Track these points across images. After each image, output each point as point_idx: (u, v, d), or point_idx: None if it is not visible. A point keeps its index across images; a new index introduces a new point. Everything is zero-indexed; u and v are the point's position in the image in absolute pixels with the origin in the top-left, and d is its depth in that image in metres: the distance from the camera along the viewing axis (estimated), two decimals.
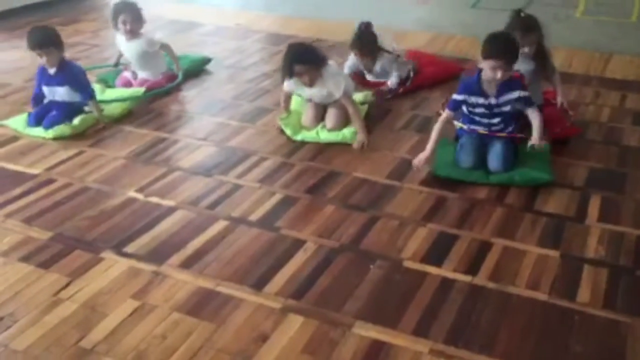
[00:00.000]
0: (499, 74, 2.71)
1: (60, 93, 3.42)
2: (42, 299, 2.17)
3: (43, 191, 2.85)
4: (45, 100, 3.48)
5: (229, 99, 3.89)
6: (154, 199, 2.79)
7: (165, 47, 4.01)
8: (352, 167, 3.05)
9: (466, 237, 2.51)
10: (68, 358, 1.92)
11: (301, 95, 3.41)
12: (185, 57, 4.29)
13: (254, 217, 2.66)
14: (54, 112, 3.38)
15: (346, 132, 3.24)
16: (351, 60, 3.92)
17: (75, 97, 3.44)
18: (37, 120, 3.38)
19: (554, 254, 2.41)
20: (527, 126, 2.95)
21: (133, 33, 3.87)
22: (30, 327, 2.04)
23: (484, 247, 2.45)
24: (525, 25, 3.07)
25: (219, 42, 5.12)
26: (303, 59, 3.17)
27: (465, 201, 2.75)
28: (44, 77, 3.43)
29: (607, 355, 1.93)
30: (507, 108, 2.84)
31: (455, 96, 2.89)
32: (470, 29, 5.08)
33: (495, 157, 2.82)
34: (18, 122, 3.43)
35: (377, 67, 3.87)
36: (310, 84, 3.23)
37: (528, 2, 5.91)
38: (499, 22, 3.19)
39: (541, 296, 2.18)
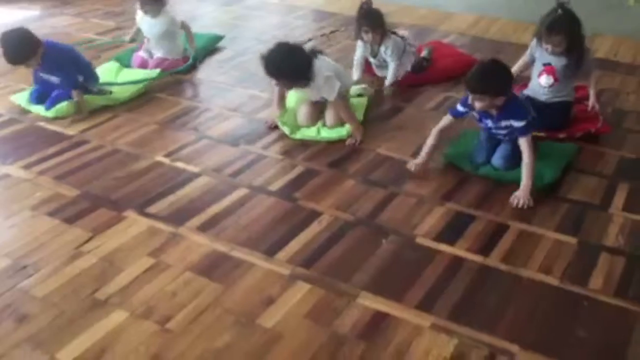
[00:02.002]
0: (477, 105, 2.59)
1: (54, 78, 3.34)
2: (64, 251, 2.28)
3: (76, 151, 2.97)
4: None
5: (262, 72, 3.91)
6: (180, 164, 2.86)
7: (185, 26, 3.99)
8: (377, 144, 3.05)
9: (483, 218, 2.49)
10: (83, 307, 2.01)
11: (298, 92, 3.20)
12: (196, 36, 4.16)
13: (273, 187, 2.70)
14: (54, 93, 3.30)
15: (348, 129, 3.09)
16: (359, 51, 3.72)
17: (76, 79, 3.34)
18: (38, 98, 3.32)
19: (571, 240, 2.37)
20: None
21: (154, 12, 3.83)
22: (51, 277, 2.15)
23: (500, 229, 2.43)
24: (551, 25, 2.94)
25: (264, 16, 5.17)
26: (281, 74, 2.96)
27: (486, 183, 2.72)
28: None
29: (610, 343, 1.90)
30: (504, 131, 2.69)
31: (459, 106, 2.71)
32: (517, 12, 4.96)
33: (499, 155, 2.74)
34: (22, 98, 3.39)
35: (383, 51, 3.62)
36: (301, 90, 3.10)
37: None
38: (547, 6, 3.06)
39: (552, 280, 2.16)
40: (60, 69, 3.29)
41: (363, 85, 3.53)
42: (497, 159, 2.74)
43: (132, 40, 4.22)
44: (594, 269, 2.21)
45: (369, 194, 2.65)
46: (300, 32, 4.70)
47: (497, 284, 2.15)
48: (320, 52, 3.14)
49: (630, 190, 2.68)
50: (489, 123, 2.72)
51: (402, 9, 5.24)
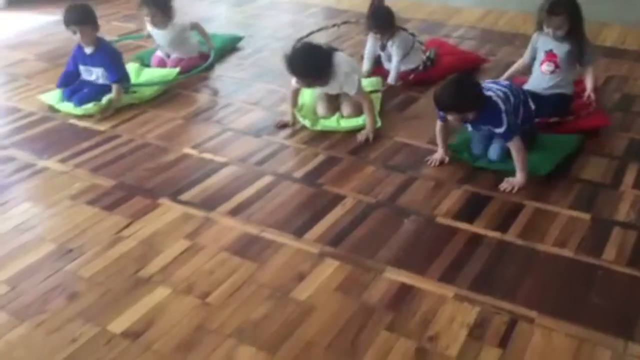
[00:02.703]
0: (449, 118, 2.67)
1: (96, 73, 3.48)
2: (106, 236, 2.42)
3: (108, 145, 3.12)
4: (77, 81, 3.52)
5: (280, 68, 4.04)
6: (208, 155, 3.01)
7: (195, 26, 4.07)
8: (395, 132, 3.18)
9: (499, 198, 2.62)
10: (128, 285, 2.16)
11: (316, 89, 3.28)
12: (215, 37, 4.31)
13: (298, 174, 2.84)
14: (85, 90, 3.44)
15: (365, 118, 3.16)
16: (370, 44, 3.81)
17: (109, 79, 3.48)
18: (70, 95, 3.44)
19: (584, 216, 2.49)
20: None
21: (160, 24, 3.91)
22: (95, 259, 2.29)
23: (516, 208, 2.55)
24: (551, 7, 3.01)
25: (275, 15, 5.31)
26: (305, 74, 3.03)
27: None
28: (80, 56, 3.50)
29: (624, 308, 2.02)
30: (488, 132, 2.74)
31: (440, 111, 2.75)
32: (525, 4, 5.06)
33: (493, 149, 2.78)
34: (53, 97, 3.49)
35: (390, 45, 3.69)
36: (322, 87, 3.17)
37: None
38: None
39: (567, 253, 2.28)
40: (114, 61, 3.47)
41: (375, 80, 3.64)
42: (492, 153, 2.79)
43: (148, 36, 4.24)
44: (607, 242, 2.33)
45: (389, 179, 2.78)
46: (311, 30, 4.82)
47: (514, 258, 2.28)
48: (336, 50, 3.22)
49: None
50: (469, 127, 2.79)
51: (412, 5, 5.37)
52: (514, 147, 2.63)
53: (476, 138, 2.87)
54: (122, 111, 3.46)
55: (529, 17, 4.81)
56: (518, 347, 1.87)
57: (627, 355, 1.84)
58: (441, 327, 1.95)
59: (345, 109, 3.26)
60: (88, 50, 3.47)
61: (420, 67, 3.76)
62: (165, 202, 2.64)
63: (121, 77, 3.50)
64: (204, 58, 4.08)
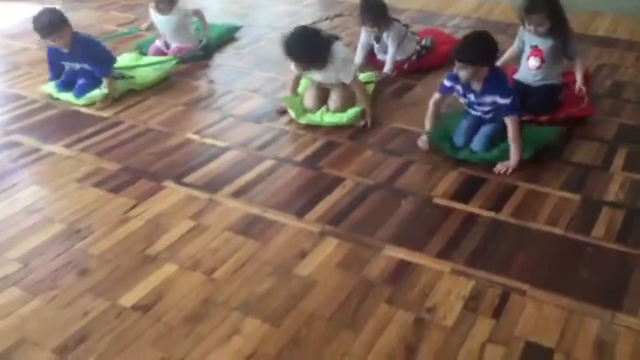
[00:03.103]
0: (462, 74, 2.72)
1: (81, 66, 3.49)
2: (113, 216, 2.50)
3: (112, 131, 3.19)
4: (67, 69, 3.54)
5: (278, 56, 4.10)
6: (209, 140, 3.08)
7: (197, 12, 4.15)
8: (393, 119, 3.26)
9: (494, 180, 2.70)
10: (136, 262, 2.24)
11: (311, 78, 3.29)
12: (214, 27, 4.37)
13: (298, 158, 2.92)
14: (82, 81, 3.46)
15: (350, 114, 3.17)
16: (363, 36, 3.84)
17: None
18: (65, 86, 3.48)
19: (575, 197, 2.58)
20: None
21: (165, 10, 3.97)
22: (104, 238, 2.37)
23: (510, 189, 2.64)
24: (530, 6, 3.05)
25: (272, 5, 5.38)
26: (300, 56, 3.06)
27: None
28: (60, 55, 3.49)
29: (612, 281, 2.12)
30: (487, 107, 2.80)
31: (445, 81, 2.86)
32: None
33: (478, 139, 2.80)
34: (51, 88, 3.54)
35: (385, 37, 3.73)
36: (319, 72, 3.16)
37: None
38: None
39: (558, 231, 2.38)
40: (93, 58, 3.45)
41: (368, 73, 3.65)
42: (475, 144, 2.80)
43: (148, 29, 4.34)
44: (596, 220, 2.43)
45: (387, 162, 2.87)
46: (309, 20, 4.88)
47: (508, 235, 2.37)
48: (337, 37, 3.27)
49: (629, 153, 2.89)
50: (472, 97, 2.81)
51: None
52: (514, 123, 2.69)
53: (460, 129, 2.87)
54: (124, 98, 3.53)
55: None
56: (511, 318, 1.96)
57: (614, 324, 1.93)
58: (438, 300, 2.04)
59: (332, 103, 3.23)
60: (65, 50, 3.45)
61: (414, 57, 3.83)
62: (169, 184, 2.71)
63: (107, 69, 3.49)
64: (205, 47, 4.14)
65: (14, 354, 1.87)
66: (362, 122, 3.18)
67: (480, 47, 2.71)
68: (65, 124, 3.27)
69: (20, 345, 1.89)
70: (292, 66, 3.26)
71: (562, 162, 2.85)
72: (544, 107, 3.09)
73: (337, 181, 2.72)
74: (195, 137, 3.13)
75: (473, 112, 2.89)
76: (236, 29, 4.58)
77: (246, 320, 1.97)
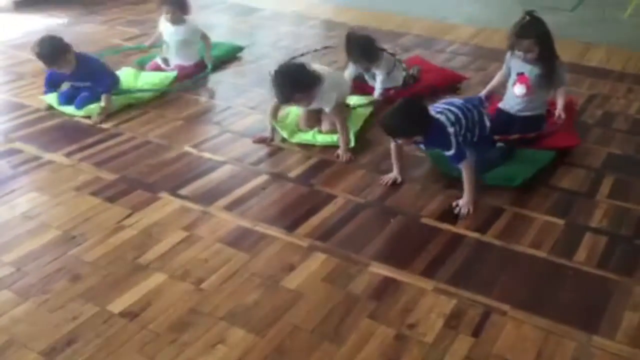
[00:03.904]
0: (400, 141, 2.79)
1: (84, 84, 3.56)
2: (108, 224, 2.56)
3: (111, 142, 3.26)
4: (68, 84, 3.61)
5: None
6: (206, 154, 3.15)
7: (204, 37, 4.21)
8: (387, 140, 3.29)
9: (482, 203, 2.75)
10: (127, 270, 2.30)
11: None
12: (218, 45, 4.47)
13: (292, 174, 2.99)
14: (84, 94, 3.53)
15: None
16: (351, 69, 3.82)
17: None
18: (67, 99, 3.54)
19: (559, 221, 2.64)
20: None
21: (177, 20, 4.06)
22: (98, 245, 2.43)
23: (497, 212, 2.70)
24: (520, 31, 3.04)
25: (276, 25, 5.48)
26: (303, 86, 3.04)
27: None
28: (61, 76, 3.58)
29: (591, 305, 2.16)
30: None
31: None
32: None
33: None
34: (52, 99, 3.60)
35: (375, 67, 3.74)
36: (308, 105, 3.19)
37: (579, 2, 6.04)
38: (547, 20, 3.23)
39: (541, 254, 2.43)
40: (93, 77, 3.54)
41: (365, 98, 3.66)
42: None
43: (152, 47, 4.40)
44: (579, 245, 2.48)
45: (379, 182, 2.92)
46: (312, 41, 4.98)
47: (492, 256, 2.42)
48: (321, 79, 3.12)
49: (615, 181, 2.95)
50: (423, 148, 2.89)
51: (409, 20, 5.55)
52: (465, 168, 2.69)
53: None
54: (124, 111, 3.61)
55: None
56: (490, 336, 2.01)
57: (591, 346, 1.98)
58: (420, 317, 2.09)
59: (325, 124, 3.29)
60: (67, 72, 3.54)
61: (400, 85, 3.82)
62: (165, 195, 2.78)
63: (109, 86, 3.57)
64: (200, 67, 4.19)
65: (2, 354, 1.91)
66: (342, 156, 3.12)
67: (407, 121, 2.67)
68: (66, 134, 3.35)
69: (9, 347, 1.94)
70: (274, 98, 3.20)
71: (550, 187, 2.91)
72: (529, 141, 3.08)
73: (329, 198, 2.79)
74: (193, 150, 3.20)
75: None
76: (239, 49, 4.67)
77: (231, 330, 2.02)
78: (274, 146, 3.26)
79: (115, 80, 3.70)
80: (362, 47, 3.68)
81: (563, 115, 3.17)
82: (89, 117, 3.51)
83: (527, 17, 3.04)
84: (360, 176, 2.99)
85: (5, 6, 5.55)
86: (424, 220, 2.64)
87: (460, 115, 2.76)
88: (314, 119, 3.34)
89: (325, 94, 3.14)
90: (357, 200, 2.78)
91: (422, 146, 2.89)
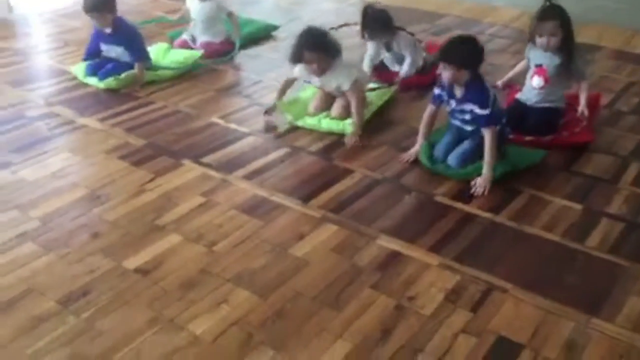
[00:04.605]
0: (444, 76, 2.72)
1: (117, 51, 3.66)
2: (131, 187, 2.68)
3: (143, 110, 3.38)
4: (101, 56, 3.72)
5: None
6: (233, 125, 3.24)
7: (230, 15, 4.23)
8: (410, 119, 3.32)
9: (500, 184, 2.74)
10: (145, 230, 2.40)
11: (310, 83, 3.31)
12: (252, 23, 4.54)
13: (313, 148, 3.04)
14: (109, 66, 3.62)
15: (347, 124, 3.14)
16: (371, 48, 3.73)
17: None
18: (93, 71, 3.63)
19: (577, 206, 2.61)
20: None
21: None
22: (120, 206, 2.55)
23: (513, 194, 2.68)
24: (543, 13, 2.99)
25: (318, 2, 5.51)
26: (315, 46, 3.06)
27: None
28: (101, 36, 3.67)
29: (595, 289, 2.15)
30: (466, 116, 2.77)
31: (434, 90, 2.87)
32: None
33: (454, 154, 2.78)
34: (79, 70, 3.71)
35: (396, 46, 3.69)
36: (320, 73, 3.15)
37: None
38: (596, 6, 3.12)
39: (553, 237, 2.41)
40: (132, 42, 3.65)
41: (385, 86, 3.59)
42: (452, 158, 2.78)
43: (179, 20, 4.46)
44: (594, 230, 2.45)
45: (398, 159, 2.94)
46: (350, 18, 4.98)
47: (502, 237, 2.42)
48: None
49: None
50: (454, 104, 2.80)
51: (450, 1, 5.49)
52: (489, 135, 2.66)
53: (442, 143, 2.86)
54: (158, 81, 3.72)
55: None
56: (488, 312, 2.03)
57: (589, 328, 1.97)
58: (421, 290, 2.12)
59: (335, 110, 3.22)
60: (107, 30, 3.63)
61: (420, 68, 3.74)
62: (187, 163, 2.87)
63: (141, 56, 3.65)
64: (227, 44, 4.22)
65: (21, 301, 2.04)
66: (347, 138, 3.07)
67: (463, 50, 2.71)
68: (101, 101, 3.49)
69: (28, 294, 2.07)
70: (294, 70, 3.25)
71: (572, 172, 2.87)
72: (542, 129, 3.02)
73: (346, 173, 2.83)
74: (220, 121, 3.29)
75: (455, 122, 2.86)
76: (274, 27, 4.71)
77: (236, 291, 2.10)
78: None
79: (147, 54, 3.75)
80: (380, 19, 3.63)
81: (586, 113, 3.10)
82: (108, 89, 3.57)
83: (548, 3, 3.01)
84: (380, 153, 3.01)
85: None
86: (438, 198, 2.66)
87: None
88: (326, 103, 3.27)
89: (345, 69, 3.14)
90: (373, 175, 2.81)
91: (454, 102, 2.78)
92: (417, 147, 2.93)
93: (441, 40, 4.19)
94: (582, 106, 3.11)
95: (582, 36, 4.23)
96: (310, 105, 3.30)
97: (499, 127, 2.77)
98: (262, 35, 4.57)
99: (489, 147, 2.68)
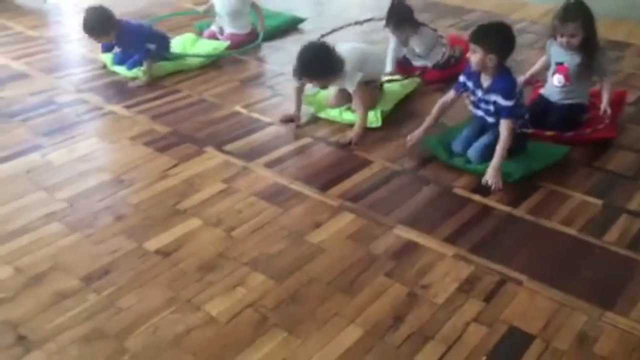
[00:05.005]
0: (472, 60, 2.68)
1: (129, 51, 3.71)
2: (154, 172, 2.74)
3: (169, 98, 3.45)
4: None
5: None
6: (255, 115, 3.28)
7: (255, 6, 4.29)
8: (430, 112, 3.32)
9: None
10: (167, 213, 2.46)
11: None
12: (279, 15, 4.59)
13: (333, 138, 3.07)
14: (136, 57, 3.68)
15: (371, 116, 3.15)
16: (392, 43, 3.78)
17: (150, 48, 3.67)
18: (120, 60, 3.72)
19: (597, 202, 2.59)
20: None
21: None
22: (143, 190, 2.61)
23: (533, 187, 2.68)
24: (565, 13, 2.94)
25: None
26: (311, 74, 3.04)
27: None
28: (109, 44, 3.76)
29: (610, 283, 2.14)
30: (490, 107, 2.75)
31: (460, 77, 2.84)
32: (593, 6, 5.06)
33: (475, 147, 2.77)
34: (108, 59, 3.80)
35: (416, 42, 3.73)
36: (323, 88, 3.22)
37: None
38: (626, 3, 3.06)
39: (571, 231, 2.41)
40: (132, 47, 3.67)
41: (409, 79, 3.58)
42: (472, 152, 2.76)
43: (206, 12, 4.51)
44: (613, 225, 2.44)
45: (418, 151, 2.95)
46: (377, 13, 4.99)
47: (519, 230, 2.43)
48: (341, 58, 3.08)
49: None
50: (480, 94, 2.76)
51: None
52: (506, 125, 2.64)
53: (461, 136, 2.86)
54: (184, 71, 3.79)
55: (597, 18, 4.84)
56: (501, 303, 2.04)
57: (601, 321, 1.97)
58: (434, 279, 2.14)
59: (354, 104, 3.18)
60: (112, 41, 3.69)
61: (441, 63, 3.74)
62: (210, 150, 2.93)
63: (144, 55, 3.64)
64: (254, 36, 4.28)
65: (46, 277, 2.12)
66: (346, 139, 3.01)
67: (494, 34, 2.69)
68: (128, 89, 3.57)
69: (53, 271, 2.14)
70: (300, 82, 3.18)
71: (594, 168, 2.85)
72: (564, 126, 2.98)
73: (365, 163, 2.85)
74: (244, 110, 3.34)
75: (478, 112, 2.84)
76: (300, 20, 4.74)
77: (253, 275, 2.15)
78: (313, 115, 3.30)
79: (162, 47, 3.78)
80: (402, 13, 3.68)
81: (609, 111, 3.06)
82: (135, 78, 3.65)
83: (572, 0, 2.97)
84: (399, 145, 3.02)
85: None
86: (457, 190, 2.66)
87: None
88: (343, 99, 3.26)
89: (348, 76, 3.09)
90: (392, 167, 2.83)
91: (480, 92, 2.76)
92: (421, 130, 2.91)
93: (466, 34, 4.22)
94: (604, 104, 3.08)
95: (611, 33, 4.20)
96: (329, 98, 3.32)
97: (520, 122, 2.77)
98: (288, 27, 4.61)
99: (502, 138, 2.65)
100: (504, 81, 2.70)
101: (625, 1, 4.92)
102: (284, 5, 4.99)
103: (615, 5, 4.92)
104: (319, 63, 3.02)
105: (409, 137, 2.94)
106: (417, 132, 2.94)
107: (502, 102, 2.68)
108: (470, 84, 2.83)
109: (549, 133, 2.98)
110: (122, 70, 3.72)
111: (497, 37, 2.69)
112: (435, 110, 2.93)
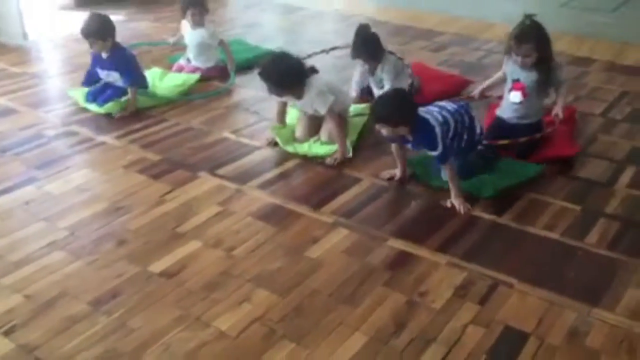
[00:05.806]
0: (383, 132, 2.73)
1: (114, 76, 3.69)
2: (151, 198, 2.81)
3: (158, 127, 3.53)
4: (101, 82, 3.76)
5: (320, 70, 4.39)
6: (244, 140, 3.38)
7: (223, 44, 4.27)
8: None
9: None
10: (167, 237, 2.53)
11: (295, 106, 3.33)
12: (256, 49, 4.62)
13: (322, 159, 3.18)
14: (108, 92, 3.68)
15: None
16: (357, 72, 3.79)
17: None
18: (93, 97, 3.69)
19: (575, 207, 2.75)
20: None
21: (198, 23, 4.21)
22: (141, 216, 2.68)
23: (515, 197, 2.82)
24: (520, 34, 3.00)
25: (319, 24, 5.71)
26: (277, 88, 3.12)
27: None
28: (98, 61, 3.71)
29: (595, 282, 2.28)
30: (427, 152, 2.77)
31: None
32: (557, 25, 5.31)
33: (444, 169, 2.78)
34: (79, 96, 3.75)
35: (379, 70, 3.66)
36: (297, 99, 3.20)
37: (623, 2, 6.05)
38: (587, 22, 3.22)
39: (554, 235, 2.55)
40: (126, 66, 3.69)
41: (363, 105, 3.55)
42: (443, 173, 2.80)
43: (175, 44, 4.57)
44: (592, 228, 2.59)
45: (380, 176, 3.03)
46: (349, 39, 5.17)
47: (505, 236, 2.56)
48: (316, 71, 3.21)
49: (637, 172, 3.04)
50: (410, 146, 2.85)
51: (447, 19, 5.69)
52: (447, 169, 2.73)
53: (433, 161, 2.84)
54: (170, 100, 3.88)
55: (561, 36, 5.09)
56: (495, 305, 2.15)
57: (590, 317, 2.10)
58: (431, 286, 2.25)
59: (324, 133, 3.25)
60: (104, 54, 3.68)
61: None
62: (203, 175, 3.01)
63: (135, 81, 3.68)
64: (220, 71, 4.28)
65: (56, 303, 2.16)
66: (329, 160, 3.10)
67: (393, 109, 2.68)
68: (115, 120, 3.62)
69: (62, 297, 2.19)
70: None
71: (570, 177, 3.01)
72: (528, 149, 3.06)
73: (355, 181, 2.97)
74: (232, 136, 3.43)
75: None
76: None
77: (257, 291, 2.23)
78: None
79: (142, 78, 3.82)
80: (369, 42, 3.63)
81: (561, 115, 3.13)
82: (108, 114, 3.63)
83: (528, 21, 3.01)
84: (387, 162, 3.14)
85: (68, 4, 5.95)
86: (444, 202, 2.79)
87: (450, 118, 2.74)
88: (312, 130, 3.28)
89: (320, 95, 3.11)
90: (381, 183, 2.95)
91: (410, 145, 2.85)
92: (399, 173, 2.95)
93: (436, 56, 4.41)
94: (557, 108, 3.14)
95: (576, 50, 4.43)
96: (298, 130, 3.33)
97: (480, 147, 2.89)
98: (257, 61, 4.62)
99: (448, 177, 2.73)
100: (422, 137, 2.71)
101: (584, 19, 5.19)
102: (258, 35, 5.12)
103: (576, 23, 5.19)
104: (281, 75, 3.06)
105: (384, 175, 2.97)
106: (395, 172, 2.96)
107: (432, 153, 2.72)
108: (398, 141, 2.86)
109: (501, 142, 3.00)
110: (93, 107, 3.67)
111: (396, 110, 2.68)
112: (396, 158, 2.96)
